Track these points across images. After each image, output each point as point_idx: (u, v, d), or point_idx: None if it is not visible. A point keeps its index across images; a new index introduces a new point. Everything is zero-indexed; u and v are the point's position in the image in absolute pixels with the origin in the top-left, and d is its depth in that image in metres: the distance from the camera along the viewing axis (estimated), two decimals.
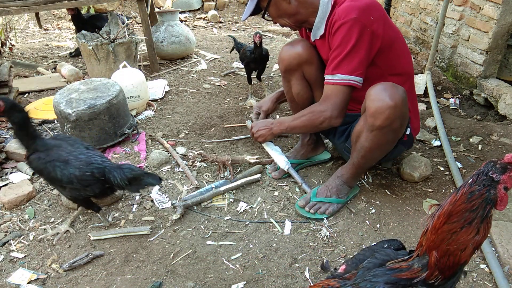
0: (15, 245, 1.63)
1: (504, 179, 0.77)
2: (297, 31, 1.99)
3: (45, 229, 1.72)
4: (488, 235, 1.58)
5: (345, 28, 1.55)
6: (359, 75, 1.61)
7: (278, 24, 1.84)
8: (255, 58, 2.80)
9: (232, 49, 3.40)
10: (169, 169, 2.11)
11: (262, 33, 4.77)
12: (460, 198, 0.79)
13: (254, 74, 3.01)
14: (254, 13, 1.77)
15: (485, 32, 2.66)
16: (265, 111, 2.14)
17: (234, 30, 5.41)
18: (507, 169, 0.77)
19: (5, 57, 4.09)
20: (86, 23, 3.93)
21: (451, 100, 2.84)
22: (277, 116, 2.68)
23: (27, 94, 3.15)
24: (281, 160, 1.96)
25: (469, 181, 0.79)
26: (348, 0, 1.59)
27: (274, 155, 2.00)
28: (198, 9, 6.44)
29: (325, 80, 1.68)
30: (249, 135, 2.33)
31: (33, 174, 2.06)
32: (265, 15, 1.78)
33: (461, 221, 0.78)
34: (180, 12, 5.95)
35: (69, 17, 4.08)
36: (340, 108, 1.67)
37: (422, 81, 3.00)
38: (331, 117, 1.67)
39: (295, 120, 1.80)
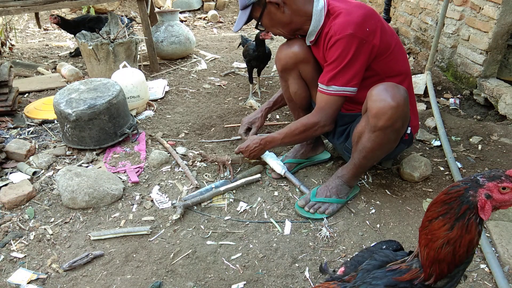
0: (15, 245, 1.63)
1: (489, 186, 0.74)
2: None
3: (45, 229, 1.72)
4: (488, 235, 1.58)
5: (342, 44, 1.57)
6: (354, 85, 1.64)
7: (271, 33, 1.84)
8: (258, 56, 2.80)
9: (239, 45, 3.43)
10: (169, 169, 2.11)
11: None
12: (444, 190, 0.79)
13: (255, 74, 3.01)
14: (246, 23, 1.77)
15: (485, 32, 2.66)
16: (258, 127, 2.18)
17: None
18: (499, 178, 0.74)
19: (5, 57, 4.09)
20: (78, 26, 3.80)
21: (451, 100, 2.84)
22: (277, 116, 2.68)
23: (27, 94, 3.15)
24: (277, 165, 1.96)
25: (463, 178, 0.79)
26: (343, 14, 1.59)
27: (269, 161, 2.00)
28: (198, 9, 6.44)
29: (319, 88, 1.71)
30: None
31: (34, 174, 2.06)
32: (259, 26, 1.78)
33: (436, 211, 0.78)
34: (180, 12, 5.95)
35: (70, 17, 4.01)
36: (333, 117, 1.74)
37: (422, 81, 3.00)
38: (324, 126, 1.74)
39: (287, 135, 1.82)
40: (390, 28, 1.72)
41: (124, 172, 2.08)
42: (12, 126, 2.57)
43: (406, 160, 1.97)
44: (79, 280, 1.46)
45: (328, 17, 1.65)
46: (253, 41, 2.86)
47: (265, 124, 2.39)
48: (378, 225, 1.69)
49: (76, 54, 4.08)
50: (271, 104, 2.23)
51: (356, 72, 1.61)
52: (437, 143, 2.29)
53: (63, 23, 3.92)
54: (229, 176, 2.03)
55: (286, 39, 1.90)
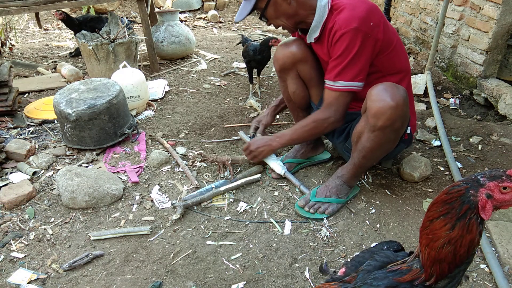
0: (15, 245, 1.63)
1: (490, 186, 0.74)
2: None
3: (45, 229, 1.72)
4: (488, 235, 1.58)
5: (347, 38, 1.57)
6: (360, 80, 1.64)
7: (273, 25, 1.82)
8: (260, 59, 2.81)
9: (239, 43, 3.44)
10: (169, 169, 2.11)
11: (262, 33, 4.77)
12: (445, 189, 0.79)
13: (255, 74, 3.01)
14: (249, 13, 1.74)
15: (485, 32, 2.66)
16: (264, 125, 2.19)
17: (234, 30, 5.40)
18: (499, 178, 0.74)
19: (5, 57, 4.09)
20: (80, 25, 3.87)
21: (451, 100, 2.84)
22: (278, 116, 2.68)
23: (27, 94, 3.15)
24: (277, 166, 1.96)
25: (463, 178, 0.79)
26: (348, 9, 1.59)
27: (269, 161, 2.00)
28: (198, 9, 6.44)
29: (326, 85, 1.70)
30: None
31: (34, 174, 2.06)
32: (263, 17, 1.77)
33: (438, 211, 0.78)
34: (180, 12, 5.95)
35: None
36: (342, 113, 1.72)
37: (422, 81, 3.00)
38: (334, 122, 1.73)
39: (297, 131, 1.82)
40: (391, 25, 1.73)
41: (124, 172, 2.08)
42: (12, 126, 2.57)
43: (406, 160, 1.97)
44: (79, 280, 1.46)
45: (332, 12, 1.65)
46: (254, 41, 2.86)
47: None
48: (378, 225, 1.69)
49: (76, 54, 4.09)
50: (278, 102, 2.23)
51: (362, 66, 1.61)
52: (437, 143, 2.29)
53: (67, 20, 3.95)
54: (229, 176, 2.03)
55: (287, 34, 1.89)
